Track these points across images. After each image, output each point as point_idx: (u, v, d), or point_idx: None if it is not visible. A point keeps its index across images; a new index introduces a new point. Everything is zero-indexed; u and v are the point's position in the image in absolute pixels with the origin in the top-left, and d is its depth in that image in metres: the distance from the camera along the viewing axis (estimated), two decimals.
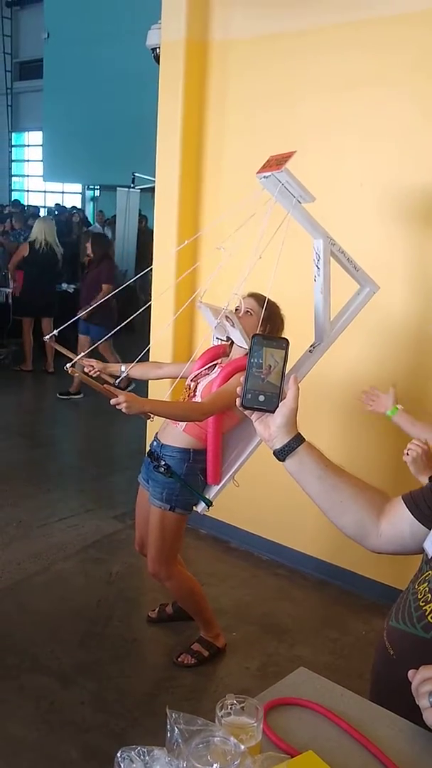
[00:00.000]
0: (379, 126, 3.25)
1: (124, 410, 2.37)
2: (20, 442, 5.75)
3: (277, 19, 3.51)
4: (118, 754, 0.97)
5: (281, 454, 1.39)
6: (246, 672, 2.97)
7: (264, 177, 2.45)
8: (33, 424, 6.15)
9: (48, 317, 7.48)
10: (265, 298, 2.72)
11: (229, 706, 1.07)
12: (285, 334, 2.78)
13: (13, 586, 3.50)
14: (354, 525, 1.43)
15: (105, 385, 2.43)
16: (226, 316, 2.60)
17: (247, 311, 2.72)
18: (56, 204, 17.37)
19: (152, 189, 4.25)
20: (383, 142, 3.25)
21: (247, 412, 1.38)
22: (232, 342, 2.78)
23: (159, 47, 3.95)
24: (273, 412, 1.35)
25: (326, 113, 3.40)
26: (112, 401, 2.36)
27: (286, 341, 1.34)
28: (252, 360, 1.33)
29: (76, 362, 2.51)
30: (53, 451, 5.70)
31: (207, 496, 2.82)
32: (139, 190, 11.18)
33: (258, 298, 2.73)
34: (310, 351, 2.72)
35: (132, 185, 11.25)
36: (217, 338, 2.87)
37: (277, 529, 3.86)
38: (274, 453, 1.39)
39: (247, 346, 2.64)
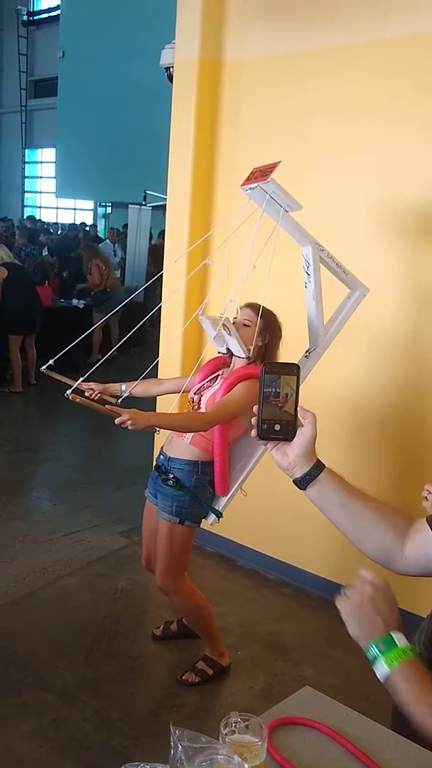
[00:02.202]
0: (391, 146, 3.27)
1: (129, 427, 2.38)
2: (26, 456, 5.76)
3: (289, 40, 3.55)
4: None
5: (302, 483, 1.36)
6: (250, 691, 2.94)
7: (250, 189, 2.48)
8: (38, 438, 6.16)
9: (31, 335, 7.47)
10: (263, 308, 2.74)
11: (234, 724, 1.06)
12: (283, 343, 2.80)
13: (18, 601, 3.49)
14: (379, 551, 1.41)
15: (107, 406, 2.44)
16: (224, 325, 2.62)
17: (245, 322, 2.73)
18: (71, 224, 17.50)
19: (163, 206, 4.27)
20: (395, 161, 3.26)
21: (262, 443, 1.35)
22: (233, 353, 2.78)
23: (172, 66, 3.99)
24: (291, 440, 1.32)
25: (338, 133, 3.42)
26: (117, 421, 2.38)
27: (297, 367, 1.32)
28: (264, 390, 1.30)
29: (75, 387, 2.51)
30: (60, 465, 5.70)
31: (216, 508, 2.82)
32: (150, 208, 11.26)
33: (254, 308, 2.74)
34: (306, 356, 2.77)
35: (143, 203, 11.33)
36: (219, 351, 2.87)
37: (283, 548, 3.84)
38: (294, 482, 1.37)
39: (244, 356, 2.66)
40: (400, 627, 1.23)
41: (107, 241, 12.11)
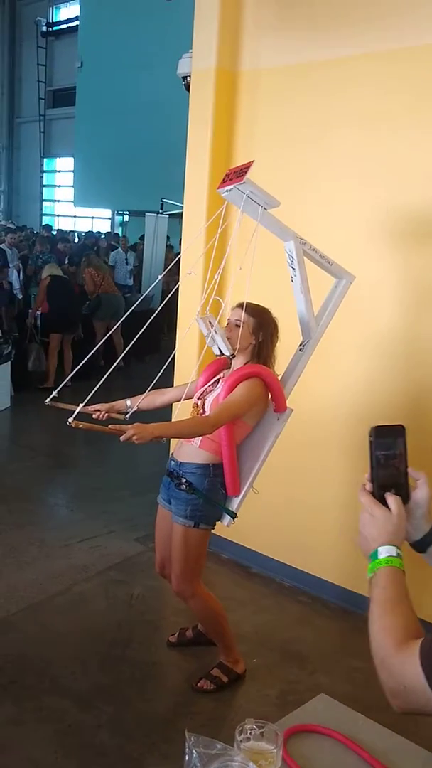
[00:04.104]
0: (405, 155, 3.27)
1: (136, 442, 2.40)
2: (45, 462, 5.79)
3: (306, 50, 3.56)
4: None
5: (421, 546, 1.30)
6: (266, 699, 2.93)
7: (227, 191, 2.50)
8: (57, 445, 6.18)
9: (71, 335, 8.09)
10: (254, 306, 2.76)
11: (249, 731, 1.06)
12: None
13: (34, 607, 3.50)
14: None
15: (110, 426, 2.45)
16: (209, 322, 2.63)
17: (236, 322, 2.74)
18: (88, 231, 17.62)
19: (180, 215, 4.29)
20: (410, 171, 3.26)
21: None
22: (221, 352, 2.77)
23: (189, 76, 4.01)
24: (406, 503, 1.27)
25: (354, 143, 3.42)
26: (122, 438, 2.39)
27: (402, 427, 1.27)
28: (376, 453, 1.26)
29: (78, 412, 2.51)
30: (77, 471, 5.72)
31: (230, 509, 2.82)
32: (167, 216, 11.30)
33: (246, 307, 2.76)
34: (300, 350, 2.82)
35: (160, 211, 11.38)
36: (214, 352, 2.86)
37: (298, 556, 3.82)
38: (412, 545, 1.31)
39: (228, 353, 2.66)
40: (397, 537, 1.21)
41: (119, 249, 12.17)
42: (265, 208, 2.55)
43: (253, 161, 2.50)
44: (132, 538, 4.31)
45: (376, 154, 3.36)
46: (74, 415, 2.48)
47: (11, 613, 3.43)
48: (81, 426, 2.42)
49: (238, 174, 2.48)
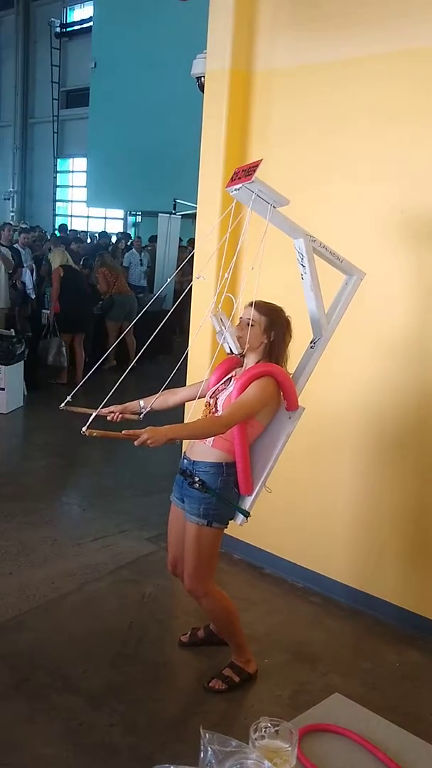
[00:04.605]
0: (419, 155, 3.26)
1: (150, 445, 2.41)
2: (57, 461, 5.80)
3: (320, 50, 3.55)
4: None
5: None
6: (277, 699, 2.92)
7: (235, 190, 2.50)
8: (70, 444, 6.20)
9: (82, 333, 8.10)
10: (267, 305, 2.75)
11: (264, 729, 1.06)
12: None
13: (46, 605, 3.51)
14: None
15: (123, 432, 2.44)
16: (221, 319, 2.63)
17: (248, 321, 2.73)
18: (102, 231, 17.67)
19: (193, 215, 4.30)
20: (424, 171, 3.25)
21: None
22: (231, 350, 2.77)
23: (203, 76, 4.02)
24: None
25: (368, 143, 3.41)
26: (136, 443, 2.40)
27: None
28: None
29: (91, 421, 2.51)
30: (89, 470, 5.73)
31: (243, 508, 2.82)
32: (180, 216, 11.32)
33: (258, 306, 2.75)
34: (311, 347, 2.82)
35: (173, 211, 11.39)
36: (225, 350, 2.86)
37: (311, 557, 3.82)
38: None
39: (237, 351, 2.66)
40: None
41: (133, 250, 12.20)
42: (274, 206, 2.55)
43: (261, 160, 2.51)
44: (144, 538, 4.31)
45: (389, 154, 3.35)
46: (88, 423, 2.49)
47: (23, 612, 3.44)
48: (95, 434, 2.42)
49: (247, 173, 2.48)
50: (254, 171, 2.45)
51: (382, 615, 3.53)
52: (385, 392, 3.46)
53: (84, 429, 2.44)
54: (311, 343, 2.83)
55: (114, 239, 14.89)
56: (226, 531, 2.89)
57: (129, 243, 13.49)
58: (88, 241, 15.43)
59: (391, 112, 3.33)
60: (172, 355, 8.36)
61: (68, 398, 2.65)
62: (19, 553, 4.02)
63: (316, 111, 3.60)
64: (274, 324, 2.75)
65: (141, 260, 11.74)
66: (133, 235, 16.97)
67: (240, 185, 2.49)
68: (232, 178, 2.56)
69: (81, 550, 4.12)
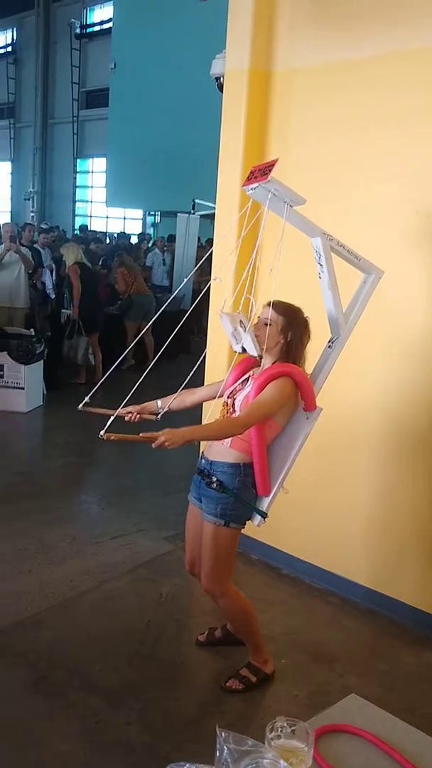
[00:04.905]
0: None
1: (168, 448, 2.41)
2: (76, 460, 5.83)
3: (340, 49, 3.54)
4: None
5: None
6: (294, 700, 2.92)
7: (252, 189, 2.50)
8: (88, 443, 6.23)
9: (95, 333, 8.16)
10: (285, 305, 2.74)
11: (280, 729, 1.06)
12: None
13: (65, 603, 3.54)
14: None
15: (141, 434, 2.45)
16: (240, 322, 2.62)
17: (265, 321, 2.72)
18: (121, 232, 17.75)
19: (212, 215, 4.30)
20: None
21: None
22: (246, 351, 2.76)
23: (223, 76, 4.02)
24: None
25: (389, 143, 3.40)
26: (154, 445, 2.41)
27: None
28: None
29: (110, 424, 2.52)
30: (107, 469, 5.76)
31: (260, 508, 2.82)
32: (198, 216, 11.32)
33: (276, 306, 2.73)
34: (329, 347, 2.81)
35: (192, 211, 11.40)
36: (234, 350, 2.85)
37: (328, 557, 3.81)
38: None
39: (256, 354, 2.66)
40: None
41: (156, 250, 12.21)
42: (290, 205, 2.55)
43: (277, 159, 2.50)
44: (161, 537, 4.32)
45: (409, 154, 3.33)
46: (106, 427, 2.49)
47: (42, 610, 3.46)
48: (113, 438, 2.43)
49: (263, 172, 2.48)
50: (270, 170, 2.45)
51: (399, 616, 3.52)
52: (403, 393, 3.45)
53: (102, 433, 2.45)
54: (329, 342, 2.82)
55: (135, 239, 14.95)
56: (243, 531, 2.89)
57: (150, 243, 13.52)
58: (107, 241, 15.50)
59: (412, 112, 3.30)
60: (191, 354, 8.39)
61: (86, 399, 2.67)
62: (38, 551, 4.05)
63: (337, 111, 3.58)
64: (291, 324, 2.73)
65: (164, 260, 11.75)
66: (153, 235, 17.03)
67: (256, 184, 2.49)
68: (248, 177, 2.56)
69: (99, 548, 4.14)
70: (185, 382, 2.80)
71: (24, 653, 3.11)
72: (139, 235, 16.44)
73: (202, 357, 2.90)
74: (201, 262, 3.39)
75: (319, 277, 2.67)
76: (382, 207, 3.44)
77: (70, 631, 3.33)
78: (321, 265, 2.65)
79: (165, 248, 12.25)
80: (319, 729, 1.17)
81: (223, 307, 2.81)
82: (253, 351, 2.66)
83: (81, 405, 2.67)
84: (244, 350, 2.71)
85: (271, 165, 2.48)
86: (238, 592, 2.94)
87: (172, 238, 12.48)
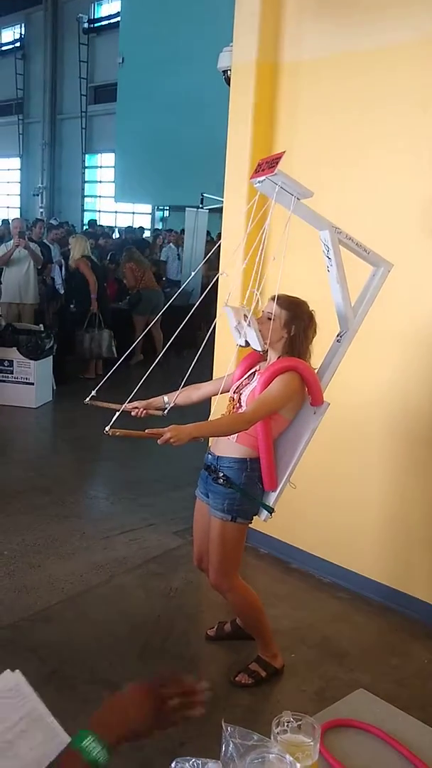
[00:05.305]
0: None
1: (174, 444, 2.41)
2: (85, 455, 5.85)
3: (348, 40, 3.50)
4: (173, 764, 0.97)
5: None
6: (303, 695, 2.92)
7: (259, 182, 2.50)
8: (97, 438, 6.23)
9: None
10: (288, 299, 2.71)
11: (286, 724, 1.06)
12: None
13: (75, 597, 3.55)
14: None
15: (146, 431, 2.44)
16: (244, 315, 2.61)
17: (268, 315, 2.70)
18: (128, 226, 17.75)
19: (220, 209, 4.28)
20: None
21: None
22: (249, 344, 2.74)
23: (230, 69, 4.00)
24: None
25: (399, 135, 3.37)
26: (160, 441, 2.41)
27: None
28: None
29: (115, 420, 2.52)
30: (116, 464, 5.77)
31: (267, 503, 2.81)
32: (207, 211, 11.30)
33: (280, 300, 2.69)
34: (338, 341, 2.79)
35: (200, 205, 11.38)
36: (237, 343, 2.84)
37: (338, 552, 3.80)
38: None
39: (260, 349, 2.64)
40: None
41: (171, 244, 12.14)
42: (298, 198, 2.53)
43: (284, 152, 2.49)
44: (171, 531, 4.33)
45: (419, 144, 3.30)
46: (112, 422, 2.49)
47: (52, 604, 3.47)
48: (118, 434, 2.43)
49: (270, 165, 2.47)
50: (277, 163, 2.44)
51: (411, 612, 3.51)
52: (412, 388, 3.42)
53: (107, 429, 2.45)
54: (338, 336, 2.80)
55: (148, 234, 14.89)
56: (252, 526, 2.89)
57: (164, 239, 13.50)
58: (116, 235, 15.50)
59: (423, 101, 3.27)
60: (197, 349, 8.35)
61: (93, 393, 2.67)
62: (48, 546, 4.06)
63: (345, 103, 3.55)
64: (294, 318, 2.70)
65: (179, 254, 11.70)
66: (161, 230, 17.00)
67: (263, 177, 2.48)
68: (256, 170, 2.55)
69: (109, 543, 4.15)
70: (186, 378, 2.79)
71: (35, 647, 3.12)
72: (153, 230, 16.42)
73: (200, 350, 2.88)
74: (209, 255, 3.38)
75: (328, 271, 2.66)
76: (392, 199, 3.42)
77: (80, 625, 3.34)
78: (329, 258, 2.63)
79: (180, 242, 12.19)
80: (326, 724, 1.17)
81: (227, 299, 2.79)
82: (256, 345, 2.65)
83: (87, 399, 2.67)
84: (247, 344, 2.70)
85: (278, 158, 2.47)
86: (247, 587, 2.94)
87: (180, 232, 12.46)
